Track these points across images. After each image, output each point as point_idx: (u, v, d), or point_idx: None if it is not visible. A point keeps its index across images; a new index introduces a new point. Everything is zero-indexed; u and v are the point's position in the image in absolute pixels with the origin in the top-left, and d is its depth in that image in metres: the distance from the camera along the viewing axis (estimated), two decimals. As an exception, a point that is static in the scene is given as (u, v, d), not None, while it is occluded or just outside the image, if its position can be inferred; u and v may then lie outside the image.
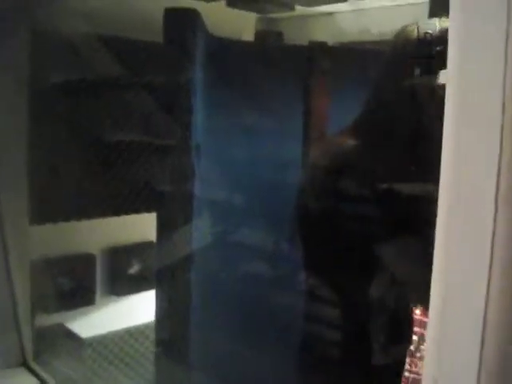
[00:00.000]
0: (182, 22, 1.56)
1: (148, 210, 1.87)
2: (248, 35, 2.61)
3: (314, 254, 1.38)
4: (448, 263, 0.61)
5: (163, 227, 1.64)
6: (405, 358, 1.47)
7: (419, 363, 1.91)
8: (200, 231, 1.74)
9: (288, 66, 2.11)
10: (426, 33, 1.19)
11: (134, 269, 2.46)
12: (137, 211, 1.97)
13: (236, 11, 2.52)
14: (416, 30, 1.22)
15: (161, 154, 1.61)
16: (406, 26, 1.25)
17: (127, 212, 2.05)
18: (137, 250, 2.42)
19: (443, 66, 1.19)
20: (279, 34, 2.60)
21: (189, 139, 1.59)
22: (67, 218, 1.92)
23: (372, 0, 2.33)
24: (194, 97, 1.65)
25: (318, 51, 2.11)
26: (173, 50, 1.56)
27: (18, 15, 1.48)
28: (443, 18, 1.21)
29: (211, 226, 1.82)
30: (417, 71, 1.17)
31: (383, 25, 2.33)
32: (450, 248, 0.61)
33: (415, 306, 1.46)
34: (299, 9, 2.45)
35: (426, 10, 2.28)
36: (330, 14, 2.49)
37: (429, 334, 0.65)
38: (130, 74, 1.59)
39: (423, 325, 2.16)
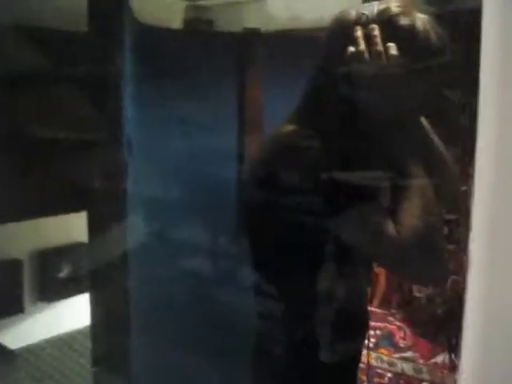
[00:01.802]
0: (107, 8, 1.44)
1: (77, 210, 1.75)
2: (177, 23, 2.51)
3: (261, 248, 1.31)
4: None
5: (95, 227, 1.53)
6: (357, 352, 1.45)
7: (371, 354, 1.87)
8: (136, 229, 1.65)
9: (221, 55, 2.03)
10: (363, 14, 1.15)
11: (65, 272, 2.33)
12: (66, 211, 1.84)
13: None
14: (355, 11, 1.17)
15: (90, 151, 1.50)
16: (346, 9, 1.21)
17: (55, 213, 1.92)
18: (66, 252, 2.29)
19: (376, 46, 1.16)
20: (209, 22, 2.50)
21: (119, 134, 1.48)
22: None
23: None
24: (124, 89, 1.55)
25: (250, 38, 2.03)
26: (98, 38, 1.45)
27: None
28: (382, 1, 1.18)
29: (148, 224, 1.72)
30: (350, 51, 1.12)
31: (317, 10, 2.29)
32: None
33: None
34: (229, -5, 2.36)
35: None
36: (262, 0, 2.42)
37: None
38: (53, 65, 1.46)
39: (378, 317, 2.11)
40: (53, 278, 2.31)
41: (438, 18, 1.20)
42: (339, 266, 1.27)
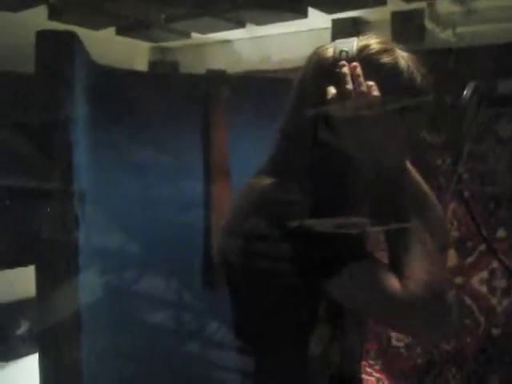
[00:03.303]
0: (56, 47, 1.35)
1: (26, 264, 1.63)
2: (141, 65, 2.45)
3: (242, 306, 1.20)
4: None
5: (44, 282, 1.42)
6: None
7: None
8: (90, 284, 1.53)
9: (185, 98, 1.94)
10: (342, 51, 1.06)
11: (22, 329, 2.20)
12: (18, 264, 1.72)
13: (128, 40, 2.35)
14: (332, 49, 1.08)
15: (38, 202, 1.39)
16: (321, 46, 1.12)
17: (7, 266, 1.80)
18: (23, 307, 2.16)
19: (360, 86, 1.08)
20: (174, 64, 2.44)
21: (69, 182, 1.38)
22: None
23: (272, 26, 2.21)
24: (76, 134, 1.45)
25: (216, 80, 1.96)
26: (46, 81, 1.36)
27: None
28: (361, 37, 1.09)
29: (104, 278, 1.61)
30: (332, 92, 1.03)
31: (284, 51, 2.24)
32: None
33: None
34: (196, 37, 2.30)
35: (327, 36, 2.21)
36: (228, 41, 2.37)
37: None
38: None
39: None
40: (10, 335, 2.18)
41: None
42: (334, 327, 1.16)
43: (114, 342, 1.59)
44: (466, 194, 1.97)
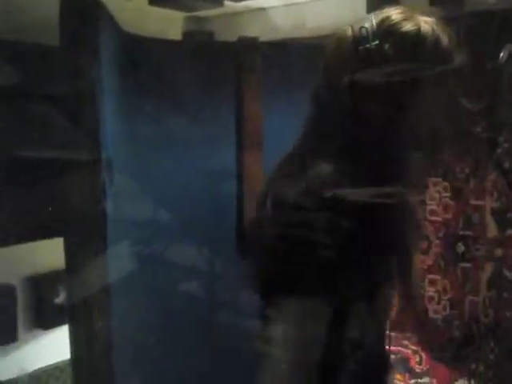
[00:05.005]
0: (81, 15, 1.35)
1: (56, 235, 1.65)
2: (176, 36, 2.43)
3: (272, 273, 1.17)
4: None
5: (73, 252, 1.43)
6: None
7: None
8: (120, 253, 1.54)
9: (217, 67, 1.93)
10: (362, 27, 1.06)
11: (61, 297, 2.24)
12: (51, 235, 1.75)
13: (162, 11, 2.33)
14: (350, 28, 1.09)
15: (66, 172, 1.39)
16: (338, 28, 1.13)
17: (44, 236, 1.83)
18: (61, 276, 2.19)
19: (382, 60, 1.06)
20: (209, 33, 2.42)
21: (98, 153, 1.38)
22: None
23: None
24: (104, 103, 1.45)
25: (248, 47, 1.93)
26: (72, 49, 1.35)
27: None
28: (377, 12, 1.09)
29: (134, 247, 1.61)
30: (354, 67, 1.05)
31: (319, 18, 2.20)
32: None
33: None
34: (229, 5, 2.27)
35: (362, 2, 2.15)
36: (263, 9, 2.33)
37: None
38: (23, 81, 1.36)
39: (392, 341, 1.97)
40: (48, 303, 2.23)
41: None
42: (368, 306, 1.14)
43: (144, 310, 1.60)
44: (507, 164, 1.91)
